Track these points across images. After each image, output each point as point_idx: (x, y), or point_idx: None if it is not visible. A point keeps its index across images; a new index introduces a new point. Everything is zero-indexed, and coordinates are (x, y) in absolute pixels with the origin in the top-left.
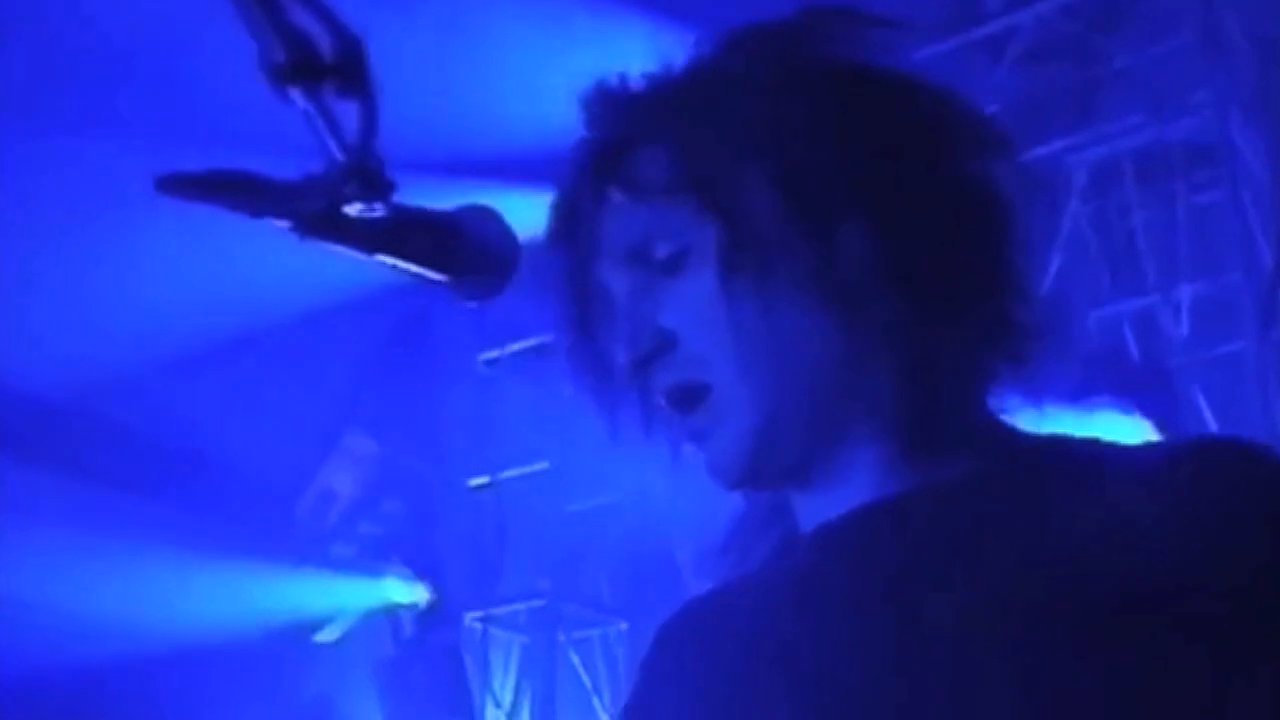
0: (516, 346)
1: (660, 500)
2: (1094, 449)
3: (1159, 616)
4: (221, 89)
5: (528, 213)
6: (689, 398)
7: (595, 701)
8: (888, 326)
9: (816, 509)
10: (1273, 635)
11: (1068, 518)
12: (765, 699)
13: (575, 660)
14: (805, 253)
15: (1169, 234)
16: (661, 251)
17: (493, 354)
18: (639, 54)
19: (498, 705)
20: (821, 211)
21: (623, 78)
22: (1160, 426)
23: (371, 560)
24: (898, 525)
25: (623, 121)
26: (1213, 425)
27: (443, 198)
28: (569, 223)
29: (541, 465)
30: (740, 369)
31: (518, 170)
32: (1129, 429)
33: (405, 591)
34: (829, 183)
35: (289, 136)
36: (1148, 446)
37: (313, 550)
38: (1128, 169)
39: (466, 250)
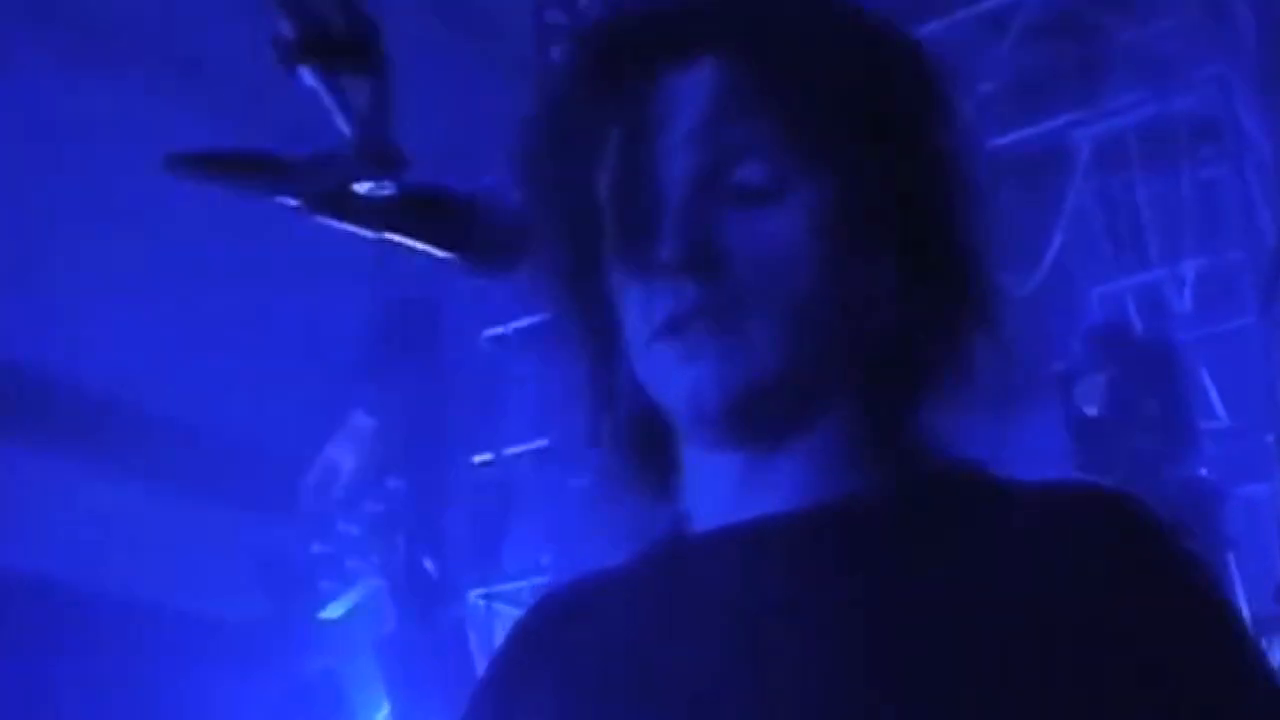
0: (522, 323)
1: None
2: (992, 486)
3: (1028, 666)
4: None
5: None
6: (705, 328)
7: None
8: (901, 301)
9: (719, 498)
10: (1141, 692)
11: (960, 555)
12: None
13: None
14: (898, 228)
15: (1173, 209)
16: (749, 170)
17: (497, 330)
18: None
19: None
20: (921, 191)
21: None
22: (1165, 403)
23: (375, 537)
24: (791, 552)
25: (737, 18)
26: (1217, 401)
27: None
28: (635, 66)
29: (545, 442)
30: (781, 320)
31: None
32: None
33: (409, 568)
34: (926, 160)
35: (298, 99)
36: (1046, 488)
37: (317, 527)
38: (1132, 144)
39: (476, 228)
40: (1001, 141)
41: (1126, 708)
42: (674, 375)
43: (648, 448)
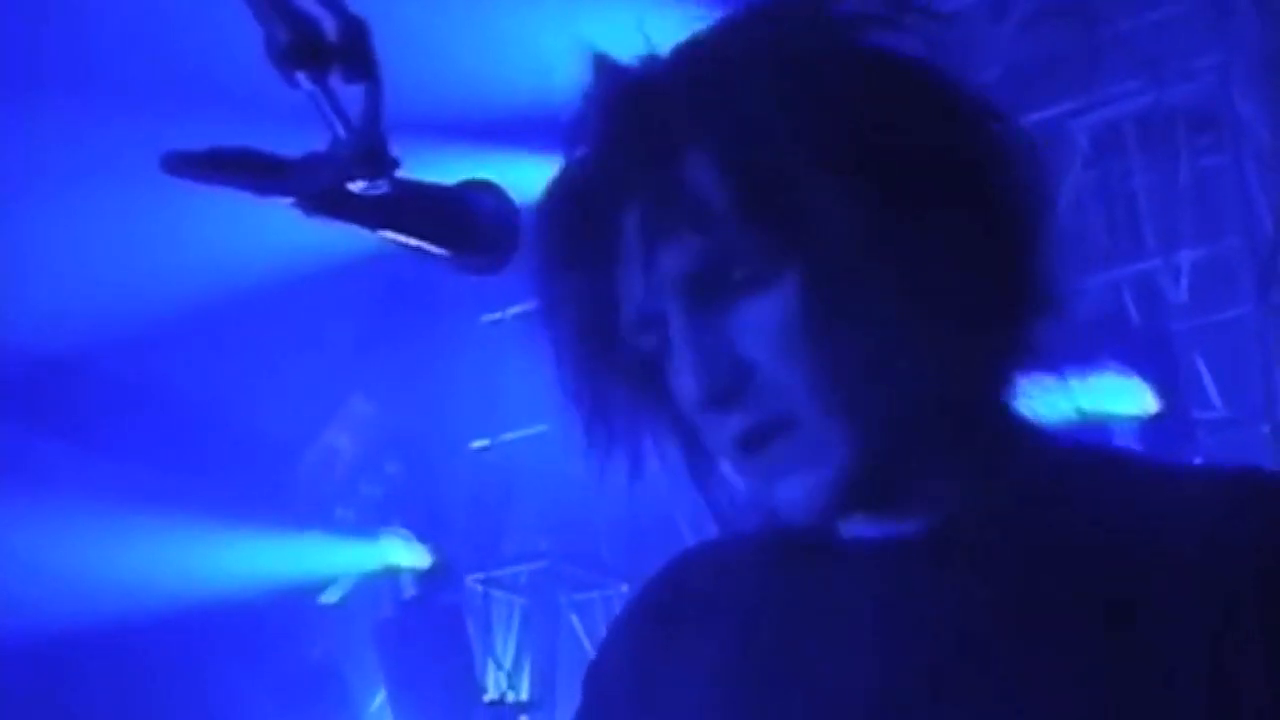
0: (519, 308)
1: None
2: (1133, 468)
3: (1186, 657)
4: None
5: (529, 176)
6: (769, 436)
7: None
8: (960, 325)
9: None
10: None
11: (1109, 544)
12: (767, 688)
13: (576, 622)
14: (895, 256)
15: (1170, 199)
16: (736, 274)
17: (495, 316)
18: (639, 16)
19: (499, 666)
20: (910, 206)
21: (624, 62)
22: (1160, 391)
23: (373, 522)
24: (947, 556)
25: (652, 120)
26: (1213, 390)
27: (443, 161)
28: (592, 241)
29: (543, 427)
30: (829, 399)
31: (518, 133)
32: (1129, 393)
33: (406, 553)
34: (903, 173)
35: (286, 98)
36: (1191, 470)
37: (315, 512)
38: (1129, 133)
39: (469, 225)
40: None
41: None
42: (776, 495)
43: None
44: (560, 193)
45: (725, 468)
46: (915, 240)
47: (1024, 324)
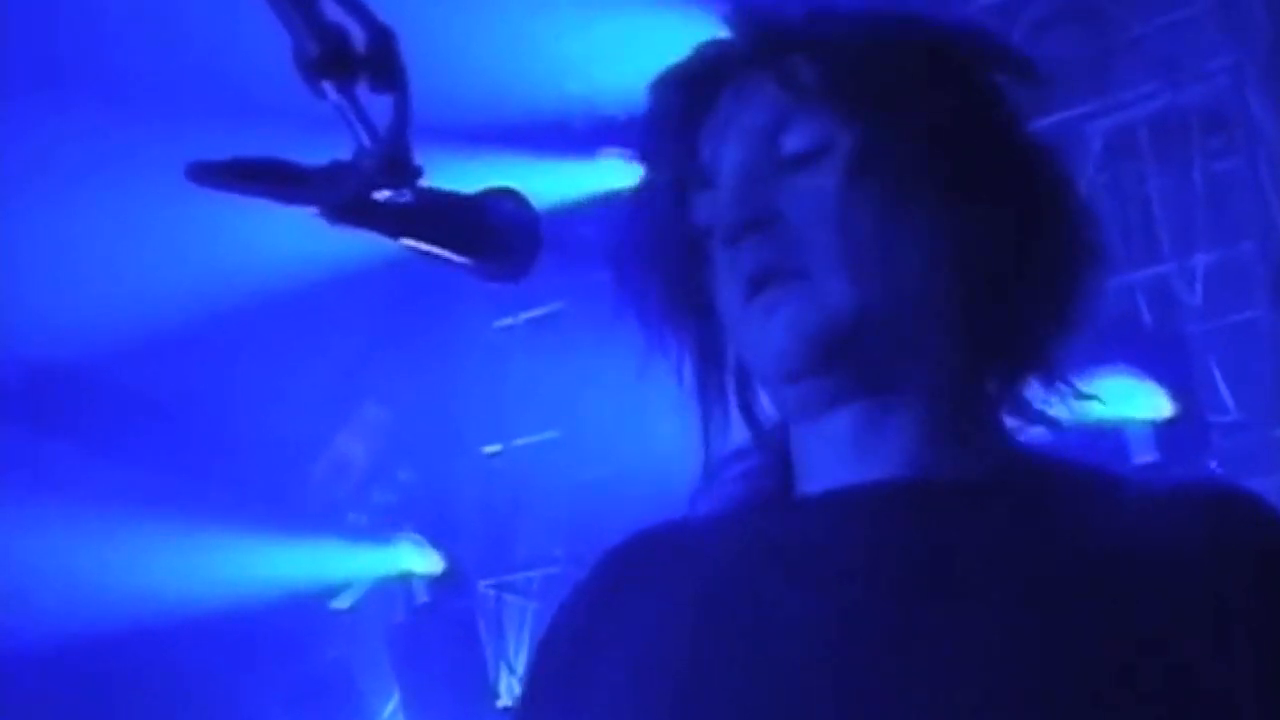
0: (530, 314)
1: (673, 468)
2: (1101, 479)
3: (1146, 661)
4: (240, 53)
5: (546, 180)
6: (780, 279)
7: None
8: (968, 246)
9: (831, 465)
10: (1262, 697)
11: (1070, 547)
12: (713, 663)
13: None
14: (937, 169)
15: (1184, 202)
16: (792, 144)
17: (506, 321)
18: (657, 23)
19: (511, 671)
20: (959, 142)
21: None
22: (1174, 395)
23: (385, 528)
24: (916, 519)
25: (778, 29)
26: (1227, 394)
27: (461, 166)
28: (689, 93)
29: (555, 433)
30: (841, 260)
31: (535, 138)
32: (1143, 397)
33: (419, 559)
34: (964, 124)
35: (308, 101)
36: (1155, 483)
37: (327, 518)
38: (1143, 136)
39: (490, 233)
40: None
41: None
42: (759, 333)
43: (762, 446)
44: (678, 72)
45: (735, 329)
46: (962, 191)
47: (1038, 311)
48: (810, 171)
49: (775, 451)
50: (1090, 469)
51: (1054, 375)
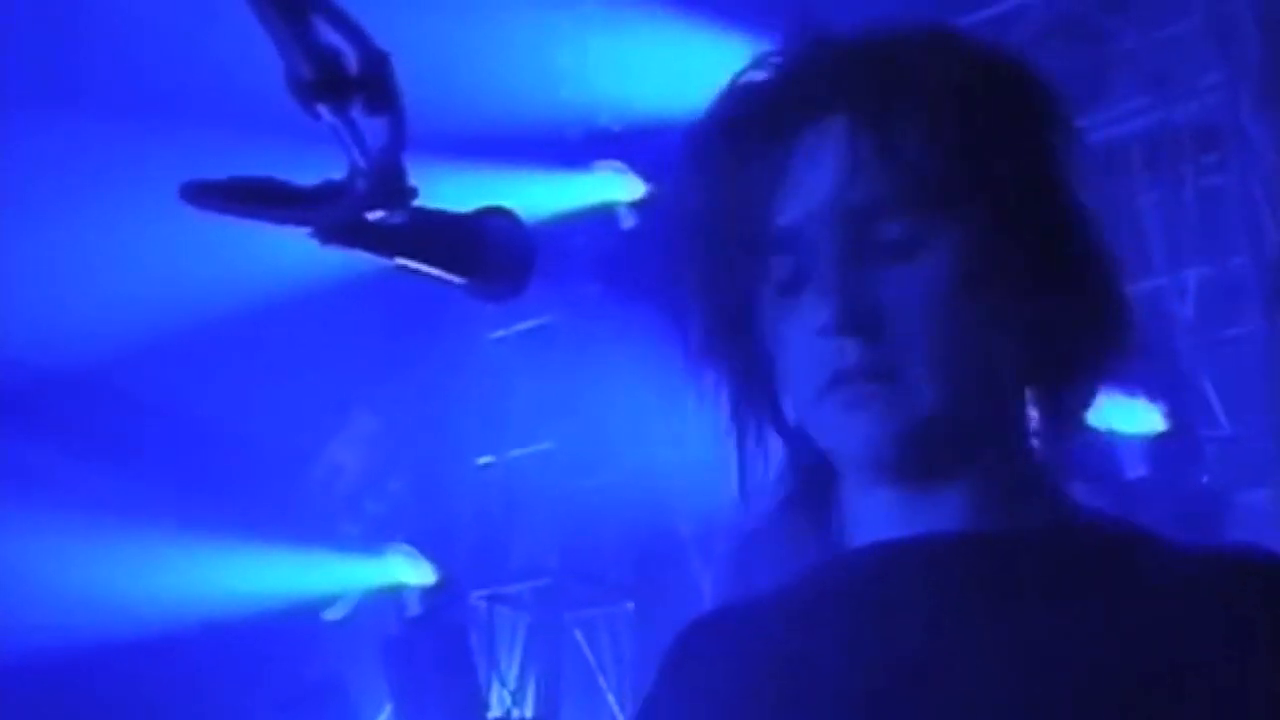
0: (524, 326)
1: (666, 480)
2: (1152, 542)
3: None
4: (238, 66)
5: (540, 192)
6: (869, 378)
7: (600, 680)
8: (1034, 336)
9: (882, 522)
10: None
11: (1113, 603)
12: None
13: (580, 639)
14: (1029, 264)
15: (1176, 217)
16: (889, 227)
17: (500, 333)
18: (652, 37)
19: (503, 684)
20: (1058, 233)
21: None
22: (1167, 409)
23: (378, 539)
24: (960, 568)
25: (867, 75)
26: (1218, 409)
27: (456, 177)
28: (765, 127)
29: (548, 444)
30: (930, 363)
31: (531, 151)
32: (1136, 412)
33: (411, 570)
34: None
35: (293, 120)
36: (1207, 549)
37: (320, 529)
38: (1135, 152)
39: (484, 253)
40: None
41: None
42: (845, 424)
43: (807, 486)
44: (752, 95)
45: (812, 410)
46: (1033, 265)
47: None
48: (909, 264)
49: (817, 492)
50: (1140, 529)
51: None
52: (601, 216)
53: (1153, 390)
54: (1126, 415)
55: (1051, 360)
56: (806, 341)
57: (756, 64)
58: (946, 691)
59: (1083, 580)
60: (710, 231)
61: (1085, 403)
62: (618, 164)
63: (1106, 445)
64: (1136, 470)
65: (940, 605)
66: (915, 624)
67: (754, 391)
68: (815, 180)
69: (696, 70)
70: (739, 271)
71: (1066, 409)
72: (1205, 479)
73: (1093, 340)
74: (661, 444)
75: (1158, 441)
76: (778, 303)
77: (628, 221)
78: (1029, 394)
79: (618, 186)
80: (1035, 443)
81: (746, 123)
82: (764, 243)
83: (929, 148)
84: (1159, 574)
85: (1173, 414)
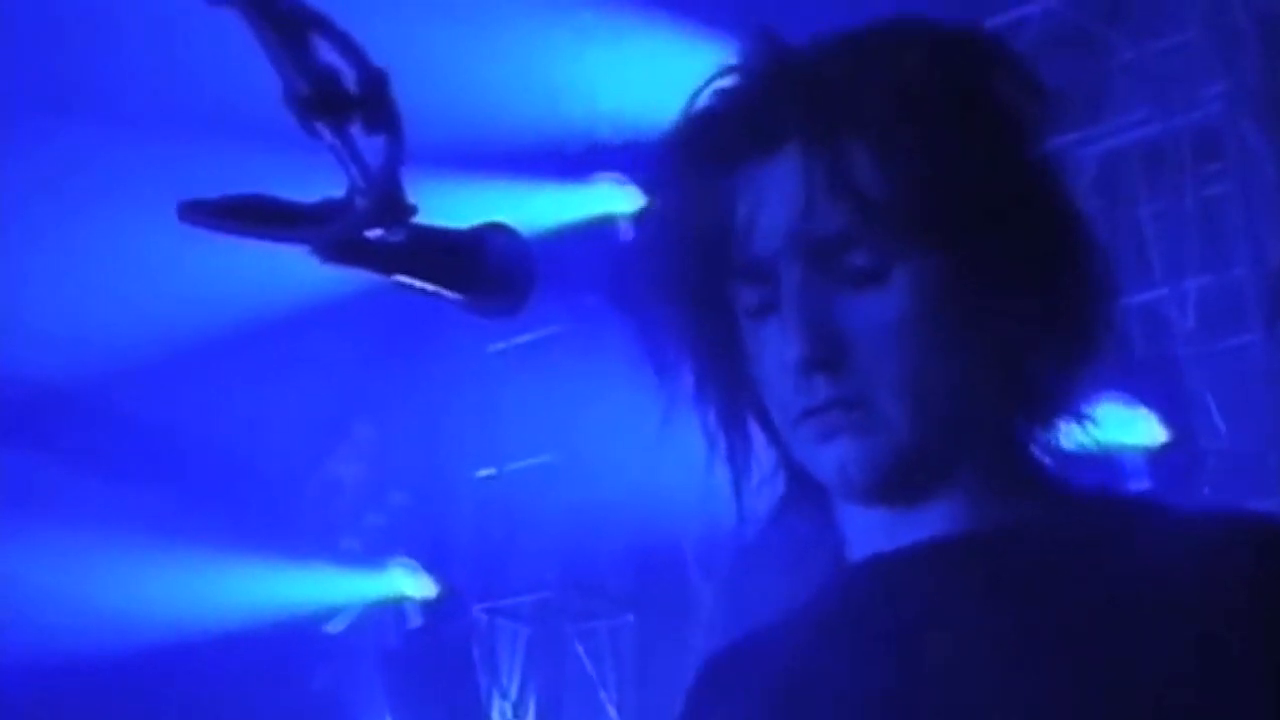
0: (524, 338)
1: (667, 492)
2: (1148, 512)
3: (1185, 695)
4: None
5: (541, 204)
6: (840, 409)
7: (601, 694)
8: (1004, 347)
9: (877, 531)
10: None
11: (1115, 582)
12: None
13: (581, 651)
14: (995, 284)
15: (1177, 227)
16: (853, 256)
17: (500, 346)
18: (642, 49)
19: (504, 696)
20: (1040, 254)
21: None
22: (1167, 420)
23: (379, 552)
24: (961, 569)
25: (823, 91)
26: (1218, 419)
27: (456, 190)
28: (724, 153)
29: (548, 457)
30: (902, 389)
31: (532, 163)
32: (1136, 423)
33: (412, 583)
34: (1024, 220)
35: (292, 137)
36: (1205, 517)
37: (321, 542)
38: (1136, 162)
39: (484, 269)
40: None
41: None
42: (818, 455)
43: (803, 493)
44: (707, 125)
45: (790, 437)
46: (998, 281)
47: (1069, 369)
48: (874, 293)
49: (813, 497)
50: (1135, 500)
51: (1081, 414)
52: (601, 229)
53: (1153, 401)
54: (1127, 427)
55: (1027, 379)
56: (779, 373)
57: (711, 87)
58: (962, 697)
59: (1081, 569)
60: (681, 258)
61: (1071, 403)
62: (617, 176)
63: (1107, 459)
64: (1138, 483)
65: (944, 614)
66: (922, 637)
67: (740, 403)
68: (774, 213)
69: (696, 82)
70: (713, 295)
71: (1050, 412)
72: (1206, 490)
73: (1070, 355)
74: (662, 456)
75: (1158, 453)
76: (751, 326)
77: (628, 234)
78: (1012, 403)
79: (617, 199)
80: (1020, 441)
81: (700, 156)
82: (731, 271)
83: (880, 175)
84: (1154, 550)
85: (1173, 425)
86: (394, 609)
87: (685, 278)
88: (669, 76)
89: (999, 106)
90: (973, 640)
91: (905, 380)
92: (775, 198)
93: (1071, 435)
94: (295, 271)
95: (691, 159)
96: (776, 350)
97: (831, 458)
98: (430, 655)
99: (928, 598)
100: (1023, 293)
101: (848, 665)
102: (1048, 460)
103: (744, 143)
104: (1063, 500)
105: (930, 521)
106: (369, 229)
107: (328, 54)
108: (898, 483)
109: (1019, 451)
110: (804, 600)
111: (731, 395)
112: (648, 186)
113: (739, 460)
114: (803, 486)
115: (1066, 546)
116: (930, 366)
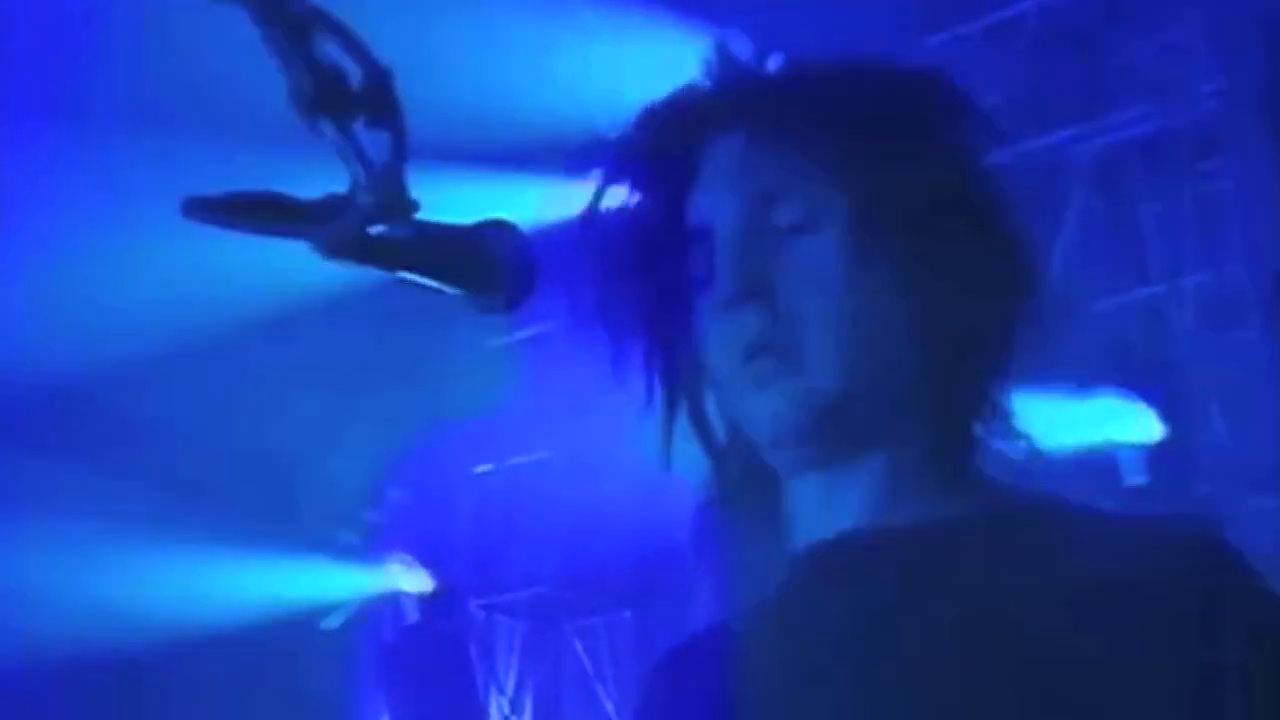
0: (523, 334)
1: (664, 488)
2: (1083, 518)
3: (1106, 696)
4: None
5: (539, 200)
6: (772, 352)
7: (599, 689)
8: (948, 315)
9: (808, 517)
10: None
11: (1048, 583)
12: None
13: (579, 648)
14: (918, 237)
15: (1175, 224)
16: (786, 211)
17: (499, 341)
18: (643, 46)
19: (501, 692)
20: (944, 206)
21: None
22: (1165, 417)
23: (376, 547)
24: (894, 560)
25: (759, 81)
26: (1217, 417)
27: (454, 185)
28: (676, 140)
29: (546, 452)
30: (829, 336)
31: (530, 159)
32: (1134, 419)
33: (409, 578)
34: (945, 185)
35: (295, 134)
36: (1139, 521)
37: (318, 537)
38: (1134, 159)
39: (486, 265)
40: (1004, 155)
41: None
42: (750, 402)
43: (758, 490)
44: (663, 114)
45: (726, 393)
46: (929, 239)
47: (1008, 344)
48: (803, 243)
49: (757, 491)
50: (1070, 504)
51: (1005, 410)
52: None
53: (1151, 397)
54: (1125, 423)
55: (956, 332)
56: (716, 322)
57: (671, 94)
58: (899, 688)
59: (1012, 563)
60: (634, 240)
61: (999, 382)
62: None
63: (1104, 454)
64: (1136, 479)
65: (876, 606)
66: (857, 630)
67: (683, 366)
68: (717, 182)
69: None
70: (663, 273)
71: (981, 387)
72: (1204, 487)
73: (995, 309)
74: (659, 452)
75: (1156, 449)
76: (702, 301)
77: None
78: (943, 373)
79: (616, 195)
80: (953, 430)
81: (653, 142)
82: (683, 240)
83: (819, 133)
84: (1087, 550)
85: (1171, 421)
86: (391, 605)
87: (638, 248)
88: (670, 72)
89: (939, 120)
90: (913, 635)
91: (832, 324)
92: (719, 171)
93: (1000, 432)
94: (293, 268)
95: (643, 147)
96: (715, 298)
97: (764, 402)
98: (427, 651)
99: (869, 593)
100: (945, 275)
101: (793, 659)
102: (981, 457)
103: (692, 129)
104: (989, 493)
105: (859, 502)
106: (372, 225)
107: (331, 51)
108: (827, 427)
109: (952, 441)
110: (749, 593)
111: (675, 357)
112: (603, 176)
113: (671, 414)
114: (749, 479)
115: (1001, 544)
116: (858, 314)
